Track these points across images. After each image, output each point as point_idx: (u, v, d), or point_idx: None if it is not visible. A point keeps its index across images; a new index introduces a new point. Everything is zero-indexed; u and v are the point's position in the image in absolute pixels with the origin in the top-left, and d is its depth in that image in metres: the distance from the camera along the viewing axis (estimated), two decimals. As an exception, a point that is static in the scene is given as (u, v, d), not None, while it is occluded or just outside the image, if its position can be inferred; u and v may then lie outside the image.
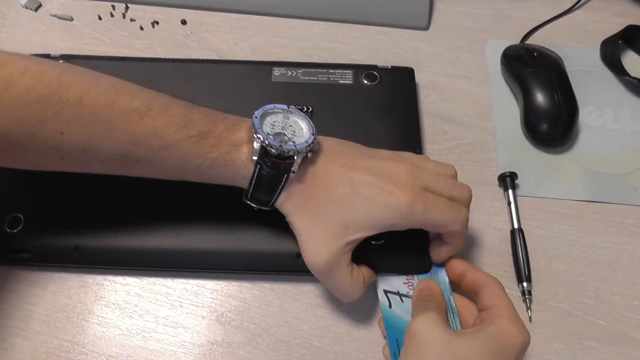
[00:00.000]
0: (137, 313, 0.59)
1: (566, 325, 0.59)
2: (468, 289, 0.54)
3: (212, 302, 0.60)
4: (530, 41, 0.80)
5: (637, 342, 0.58)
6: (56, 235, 0.58)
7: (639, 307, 0.60)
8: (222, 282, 0.61)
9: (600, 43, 0.79)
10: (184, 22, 0.82)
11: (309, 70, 0.70)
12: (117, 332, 0.58)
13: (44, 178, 0.55)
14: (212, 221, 0.58)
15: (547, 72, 0.72)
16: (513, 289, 0.61)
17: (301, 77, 0.70)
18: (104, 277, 0.61)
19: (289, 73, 0.70)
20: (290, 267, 0.57)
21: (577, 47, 0.79)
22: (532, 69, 0.73)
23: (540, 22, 0.82)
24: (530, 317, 0.59)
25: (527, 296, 0.60)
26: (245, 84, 0.69)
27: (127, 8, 0.83)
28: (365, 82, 0.69)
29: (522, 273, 0.61)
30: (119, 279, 0.61)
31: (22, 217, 0.59)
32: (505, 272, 0.62)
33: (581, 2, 0.83)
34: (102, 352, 0.57)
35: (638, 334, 0.58)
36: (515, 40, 0.80)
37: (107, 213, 0.59)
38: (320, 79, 0.70)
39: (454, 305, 0.54)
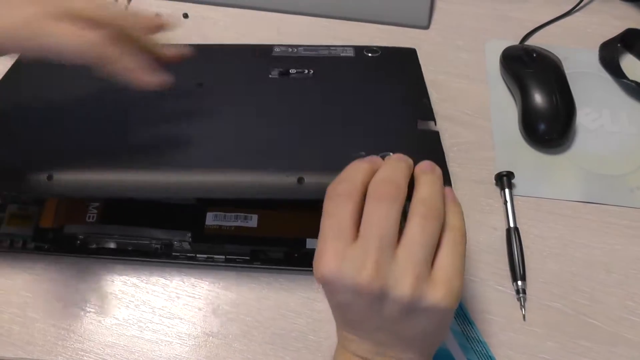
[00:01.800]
0: (134, 303, 0.59)
1: (560, 325, 0.59)
2: None
3: (209, 294, 0.60)
4: (529, 42, 0.81)
5: (631, 342, 0.58)
6: (29, 165, 0.53)
7: (632, 307, 0.60)
8: (218, 275, 0.61)
9: (599, 45, 0.80)
10: (185, 15, 0.82)
11: (309, 46, 0.70)
12: (113, 322, 0.58)
13: (20, 110, 0.56)
14: (201, 144, 0.56)
15: (545, 73, 0.73)
16: (507, 287, 0.61)
17: (302, 52, 0.69)
18: (101, 266, 0.61)
19: (290, 49, 0.69)
20: (291, 193, 0.52)
21: (576, 49, 0.79)
22: (531, 70, 0.73)
23: (540, 24, 0.82)
24: (524, 316, 0.59)
25: (521, 295, 0.60)
26: (246, 62, 0.68)
27: (129, 0, 0.83)
28: (368, 54, 0.68)
29: (517, 271, 0.61)
30: (117, 269, 0.61)
31: None
32: (500, 270, 0.62)
33: (581, 4, 0.84)
34: (98, 341, 0.57)
35: (631, 334, 0.59)
36: (515, 41, 0.80)
37: (86, 142, 0.57)
38: (321, 53, 0.69)
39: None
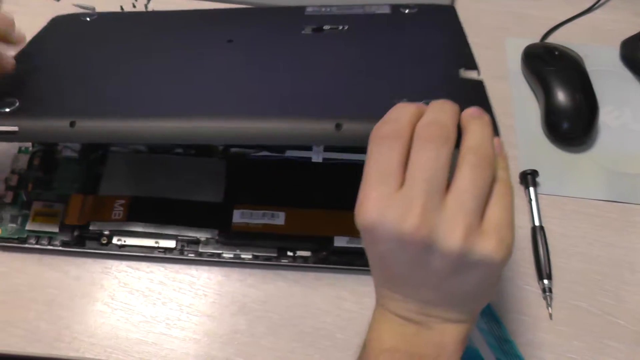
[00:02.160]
0: (161, 301, 0.59)
1: (586, 324, 0.59)
2: None
3: (236, 292, 0.60)
4: (549, 40, 0.80)
5: (657, 342, 0.58)
6: (51, 112, 0.54)
7: (658, 307, 0.60)
8: (245, 272, 0.61)
9: (620, 43, 0.79)
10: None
11: (343, 5, 0.68)
12: (140, 319, 0.58)
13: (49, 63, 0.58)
14: (234, 92, 0.55)
15: (567, 71, 0.73)
16: (534, 286, 0.61)
17: (335, 11, 0.67)
18: (127, 263, 0.61)
19: (323, 9, 0.68)
20: (329, 139, 0.49)
21: (596, 47, 0.79)
22: (552, 68, 0.73)
23: (560, 21, 0.82)
24: (550, 315, 0.59)
25: (547, 293, 0.60)
26: (278, 21, 0.67)
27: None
28: (405, 11, 0.66)
29: (543, 270, 0.61)
30: (143, 266, 0.61)
31: (17, 100, 0.54)
32: (525, 269, 0.62)
33: (601, 1, 0.84)
34: (126, 338, 0.57)
35: (658, 334, 0.58)
36: (535, 39, 0.80)
37: (112, 92, 0.56)
38: (356, 11, 0.67)
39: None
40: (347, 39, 0.62)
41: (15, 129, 0.52)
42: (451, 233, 0.37)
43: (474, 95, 0.51)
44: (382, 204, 0.37)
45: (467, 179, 0.38)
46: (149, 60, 0.61)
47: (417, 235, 0.37)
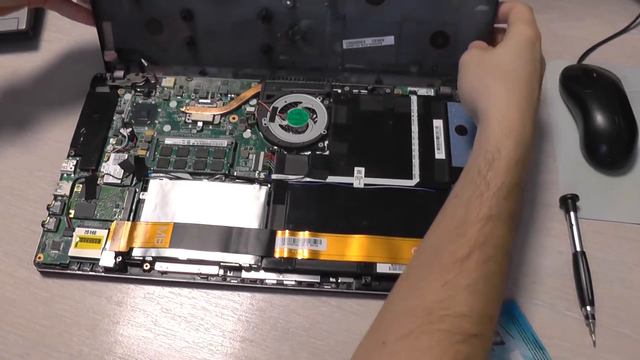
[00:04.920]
0: (204, 326, 0.59)
1: (631, 352, 0.58)
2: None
3: (279, 317, 0.60)
4: (587, 61, 0.80)
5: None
6: None
7: (703, 335, 0.59)
8: (288, 298, 0.61)
9: (657, 64, 0.78)
10: None
11: None
12: (183, 345, 0.58)
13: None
14: None
15: (606, 94, 0.72)
16: (576, 313, 0.61)
17: None
18: (170, 289, 0.61)
19: None
20: None
21: (634, 68, 0.78)
22: (591, 90, 0.72)
23: (597, 42, 0.81)
24: (594, 342, 0.59)
25: (590, 320, 0.60)
26: None
27: None
28: None
29: (586, 296, 0.61)
30: (185, 292, 0.61)
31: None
32: (567, 295, 0.62)
33: (637, 21, 0.83)
34: (170, 364, 0.57)
35: (703, 362, 0.58)
36: (572, 61, 0.79)
37: None
38: None
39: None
40: None
41: None
42: None
43: None
44: None
45: None
46: None
47: None
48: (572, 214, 0.66)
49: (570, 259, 0.64)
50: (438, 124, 0.71)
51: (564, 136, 0.73)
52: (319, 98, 0.72)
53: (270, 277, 0.60)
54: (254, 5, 0.69)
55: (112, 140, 0.69)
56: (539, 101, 0.57)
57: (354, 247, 0.60)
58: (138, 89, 0.73)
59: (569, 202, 0.66)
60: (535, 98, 0.56)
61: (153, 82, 0.74)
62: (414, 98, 0.73)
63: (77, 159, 0.68)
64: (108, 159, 0.67)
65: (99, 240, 0.62)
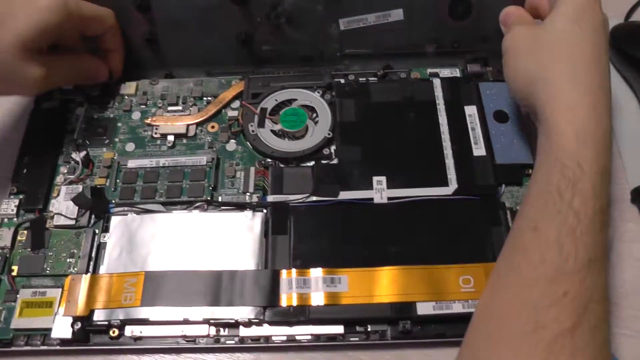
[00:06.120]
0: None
1: None
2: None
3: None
4: (634, 18, 0.69)
5: None
6: None
7: None
8: (305, 357, 0.50)
9: None
10: None
11: None
12: None
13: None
14: None
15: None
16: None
17: None
18: (148, 358, 0.50)
19: None
20: None
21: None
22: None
23: (641, -4, 0.71)
24: None
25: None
26: None
27: None
28: None
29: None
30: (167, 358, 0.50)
31: None
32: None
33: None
34: None
35: None
36: (619, 19, 0.68)
37: None
38: None
39: None
40: None
41: None
42: None
43: None
44: None
45: None
46: None
47: None
48: (647, 209, 0.55)
49: (654, 268, 0.53)
50: (471, 111, 0.60)
51: (623, 112, 0.63)
52: (318, 92, 0.62)
53: (278, 333, 0.49)
54: (222, -16, 0.60)
55: (62, 169, 0.59)
56: (610, 80, 0.47)
57: (384, 284, 0.49)
58: (92, 100, 0.63)
59: (643, 196, 0.55)
60: (607, 78, 0.47)
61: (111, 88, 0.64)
62: (436, 81, 0.61)
63: (20, 197, 0.57)
64: (58, 194, 0.57)
65: (50, 304, 0.50)
